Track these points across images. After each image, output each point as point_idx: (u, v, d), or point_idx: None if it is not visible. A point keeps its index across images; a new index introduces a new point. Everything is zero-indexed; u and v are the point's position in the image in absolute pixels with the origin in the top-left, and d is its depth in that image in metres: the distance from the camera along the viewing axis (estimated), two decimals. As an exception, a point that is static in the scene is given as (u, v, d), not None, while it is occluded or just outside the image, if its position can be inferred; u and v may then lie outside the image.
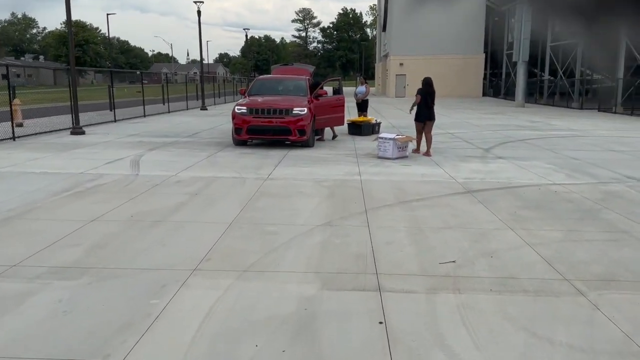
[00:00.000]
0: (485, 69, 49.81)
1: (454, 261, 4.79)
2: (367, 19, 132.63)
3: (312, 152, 12.06)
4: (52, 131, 15.40)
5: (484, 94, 48.98)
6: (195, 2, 25.96)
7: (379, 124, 16.14)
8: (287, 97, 12.92)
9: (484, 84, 49.47)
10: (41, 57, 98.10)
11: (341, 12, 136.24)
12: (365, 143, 13.62)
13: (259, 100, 12.57)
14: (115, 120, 18.76)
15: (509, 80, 43.12)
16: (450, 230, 5.82)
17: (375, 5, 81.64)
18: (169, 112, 24.72)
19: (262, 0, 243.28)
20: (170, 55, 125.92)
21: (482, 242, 5.39)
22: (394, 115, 22.89)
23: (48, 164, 9.99)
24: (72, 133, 14.82)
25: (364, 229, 5.84)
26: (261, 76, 15.15)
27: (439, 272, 4.51)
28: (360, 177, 8.87)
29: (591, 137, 15.64)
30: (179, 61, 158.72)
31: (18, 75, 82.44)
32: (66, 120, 16.23)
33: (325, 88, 14.38)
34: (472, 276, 4.43)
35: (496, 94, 46.76)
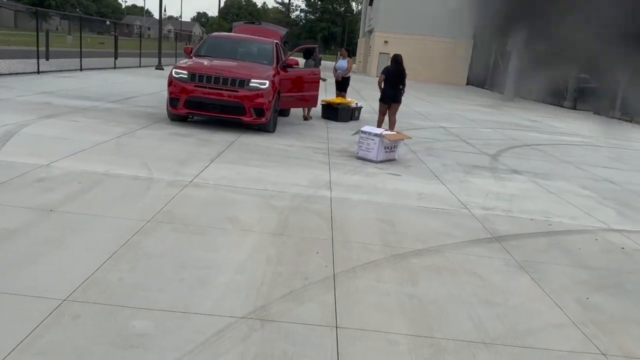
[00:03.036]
0: (471, 56, 47.10)
1: None
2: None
3: (271, 140, 9.06)
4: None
5: (468, 83, 46.39)
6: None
7: (359, 109, 13.19)
8: (246, 64, 9.81)
9: (468, 72, 46.82)
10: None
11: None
12: (341, 132, 10.67)
13: (206, 63, 9.42)
14: (38, 72, 15.24)
15: (496, 70, 40.54)
16: (489, 348, 2.98)
17: (363, -22, 77.63)
18: (114, 67, 21.13)
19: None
20: (144, 7, 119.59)
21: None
22: (375, 97, 19.76)
23: None
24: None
25: (326, 336, 2.95)
26: (215, 33, 11.92)
27: None
28: (330, 194, 5.95)
29: (607, 147, 13.06)
30: (154, 16, 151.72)
31: (-26, 12, 76.12)
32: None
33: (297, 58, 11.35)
34: None
35: (481, 84, 44.17)
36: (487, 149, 10.60)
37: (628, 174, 9.50)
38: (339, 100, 12.89)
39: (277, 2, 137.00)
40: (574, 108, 27.32)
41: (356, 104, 13.05)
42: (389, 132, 8.12)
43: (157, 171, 6.01)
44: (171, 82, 9.18)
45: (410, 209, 5.70)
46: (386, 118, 10.35)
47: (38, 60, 15.27)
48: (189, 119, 9.74)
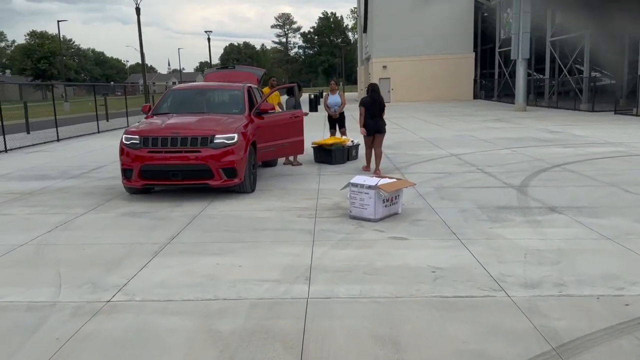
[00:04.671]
0: (476, 69, 45.55)
1: None
2: (349, 22, 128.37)
3: (246, 204, 7.38)
4: None
5: (475, 96, 44.68)
6: (133, -2, 21.16)
7: (356, 147, 11.50)
8: (210, 117, 8.23)
9: (474, 85, 45.18)
10: (7, 71, 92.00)
11: (322, 16, 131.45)
12: (335, 179, 8.96)
13: (162, 123, 7.87)
14: (6, 150, 13.87)
15: (502, 80, 38.84)
16: None
17: (355, 8, 77.07)
18: (98, 132, 19.83)
19: (243, 9, 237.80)
20: (145, 64, 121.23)
21: None
22: None
23: None
24: None
25: None
26: (178, 85, 10.41)
27: None
28: (308, 291, 4.21)
29: (647, 154, 11.17)
30: (159, 71, 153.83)
31: (-21, 91, 77.12)
32: None
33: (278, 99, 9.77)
34: None
35: (488, 96, 42.46)
36: (511, 179, 8.80)
37: (691, 191, 7.62)
38: (332, 140, 11.24)
39: (275, 43, 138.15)
40: (592, 110, 25.38)
41: (352, 141, 11.37)
42: (386, 181, 6.38)
43: (68, 289, 4.33)
44: (122, 150, 7.63)
45: (422, 304, 3.91)
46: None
47: (4, 137, 13.89)
48: (154, 189, 8.14)
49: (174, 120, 8.00)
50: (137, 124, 8.22)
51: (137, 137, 7.53)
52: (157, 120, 8.04)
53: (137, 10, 21.28)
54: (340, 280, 4.42)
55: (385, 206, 6.36)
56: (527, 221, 6.17)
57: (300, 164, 10.81)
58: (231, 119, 8.12)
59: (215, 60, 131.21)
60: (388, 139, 15.10)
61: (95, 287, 4.37)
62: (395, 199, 6.51)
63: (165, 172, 7.43)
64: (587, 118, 21.71)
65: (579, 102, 27.29)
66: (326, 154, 10.97)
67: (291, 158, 10.83)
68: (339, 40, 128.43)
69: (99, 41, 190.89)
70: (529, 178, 8.84)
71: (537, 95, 33.45)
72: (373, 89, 9.55)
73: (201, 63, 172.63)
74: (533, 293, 4.08)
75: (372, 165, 9.84)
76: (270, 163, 10.47)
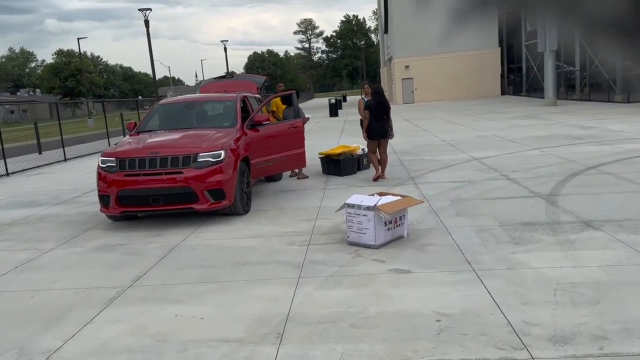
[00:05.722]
0: (502, 64, 43.96)
1: None
2: (371, 24, 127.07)
3: (235, 229, 6.55)
4: None
5: (503, 92, 43.09)
6: (140, 10, 20.70)
7: (367, 155, 10.55)
8: (195, 132, 7.44)
9: (501, 81, 43.58)
10: (37, 90, 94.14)
11: (344, 19, 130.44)
12: (341, 195, 8.02)
13: (139, 142, 7.11)
14: (7, 174, 13.40)
15: (531, 74, 37.21)
16: None
17: (377, 9, 75.94)
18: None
19: (268, 17, 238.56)
20: (171, 76, 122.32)
21: None
22: (397, 130, 16.84)
23: None
24: None
25: None
26: (165, 99, 9.64)
27: None
28: (276, 355, 3.33)
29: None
30: (186, 83, 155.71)
31: (12, 112, 78.72)
32: None
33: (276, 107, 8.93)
34: None
35: (517, 92, 40.83)
36: (538, 186, 7.74)
37: None
38: (340, 149, 10.35)
39: (299, 49, 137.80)
40: (628, 101, 23.79)
41: (363, 150, 10.44)
42: (388, 200, 5.45)
43: (-16, 358, 3.56)
44: (98, 174, 6.91)
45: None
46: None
47: (5, 161, 13.43)
48: (138, 215, 7.39)
49: (155, 138, 7.26)
50: (115, 144, 7.50)
51: (113, 159, 6.80)
52: (137, 139, 7.30)
53: (146, 22, 20.84)
54: (320, 337, 3.52)
55: (388, 229, 5.43)
56: (557, 242, 5.16)
57: (307, 177, 9.95)
58: (220, 134, 7.32)
59: (240, 70, 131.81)
60: (405, 143, 14.15)
61: (21, 353, 3.58)
62: (400, 220, 5.57)
63: (144, 198, 6.67)
64: (623, 110, 20.24)
65: (613, 93, 25.68)
66: (334, 165, 10.09)
67: (297, 170, 9.97)
68: (362, 42, 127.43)
69: (128, 57, 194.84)
70: (559, 185, 7.77)
71: (567, 88, 31.82)
72: (377, 91, 9.10)
73: (227, 73, 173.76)
74: (565, 353, 3.10)
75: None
76: (273, 177, 9.65)
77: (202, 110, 8.44)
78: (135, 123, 8.22)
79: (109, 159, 6.83)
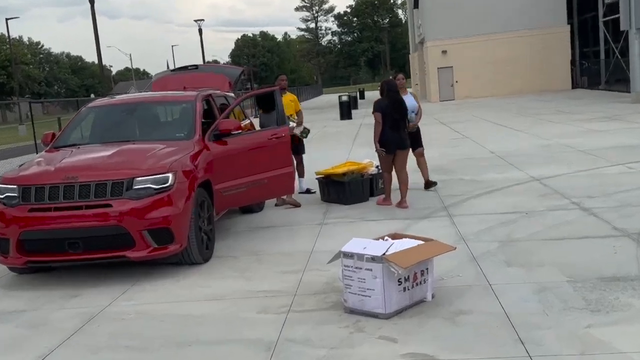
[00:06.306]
0: (572, 47, 43.68)
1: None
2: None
3: (188, 286, 6.11)
4: None
5: (574, 85, 42.75)
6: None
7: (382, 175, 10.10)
8: (134, 147, 7.12)
9: (571, 70, 43.25)
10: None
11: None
12: (341, 234, 7.53)
13: (52, 162, 6.73)
14: None
15: (612, 61, 36.82)
16: None
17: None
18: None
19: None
20: (134, 68, 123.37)
21: None
22: (431, 137, 15.89)
23: None
24: None
25: None
26: (97, 101, 9.26)
27: None
28: None
29: None
30: (152, 75, 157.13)
31: None
32: None
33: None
34: None
35: (593, 84, 40.47)
36: (625, 220, 7.27)
37: None
38: (346, 166, 9.95)
39: (302, 30, 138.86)
40: None
41: (377, 167, 9.97)
42: (402, 247, 4.94)
43: None
44: (-6, 208, 6.47)
45: None
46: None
47: None
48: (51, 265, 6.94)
49: (76, 156, 6.87)
50: (19, 165, 7.12)
51: (14, 186, 6.39)
52: (50, 158, 6.94)
53: (91, 2, 20.65)
54: None
55: (403, 290, 4.92)
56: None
57: (298, 205, 9.53)
58: (169, 149, 6.92)
59: (225, 58, 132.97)
60: (441, 157, 13.77)
61: None
62: (422, 275, 5.06)
63: (57, 242, 6.25)
64: None
65: None
66: (337, 189, 9.68)
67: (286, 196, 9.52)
68: (386, 21, 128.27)
69: (79, 43, 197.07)
70: (656, 217, 7.26)
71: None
72: (389, 88, 9.01)
73: (208, 63, 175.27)
74: None
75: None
76: (251, 207, 9.20)
77: (147, 115, 8.13)
78: (54, 134, 7.83)
79: (9, 186, 6.44)
